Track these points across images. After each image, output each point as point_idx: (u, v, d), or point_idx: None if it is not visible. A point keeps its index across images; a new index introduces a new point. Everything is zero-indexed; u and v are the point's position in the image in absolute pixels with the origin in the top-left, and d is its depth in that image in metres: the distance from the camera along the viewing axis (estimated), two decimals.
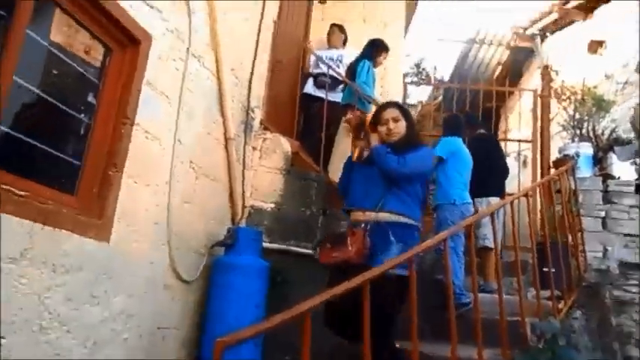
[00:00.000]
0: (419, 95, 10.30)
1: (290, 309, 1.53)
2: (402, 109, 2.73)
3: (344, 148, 4.33)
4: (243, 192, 3.55)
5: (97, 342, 2.27)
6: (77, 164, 2.29)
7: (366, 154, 2.65)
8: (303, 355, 1.53)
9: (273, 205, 3.71)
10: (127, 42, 2.44)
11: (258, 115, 3.86)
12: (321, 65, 4.92)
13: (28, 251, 1.91)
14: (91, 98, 2.37)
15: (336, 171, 3.63)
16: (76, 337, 2.16)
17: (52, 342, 2.03)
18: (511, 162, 5.04)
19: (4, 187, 1.83)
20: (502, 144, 5.05)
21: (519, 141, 5.62)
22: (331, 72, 4.75)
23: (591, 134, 5.13)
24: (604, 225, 4.45)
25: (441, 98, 8.47)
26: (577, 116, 5.27)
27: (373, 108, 4.35)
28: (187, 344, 3.01)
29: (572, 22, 7.10)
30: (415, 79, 10.75)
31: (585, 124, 5.18)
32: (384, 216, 2.44)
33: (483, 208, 3.81)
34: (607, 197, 4.52)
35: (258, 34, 3.77)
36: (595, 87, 5.55)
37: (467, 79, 8.07)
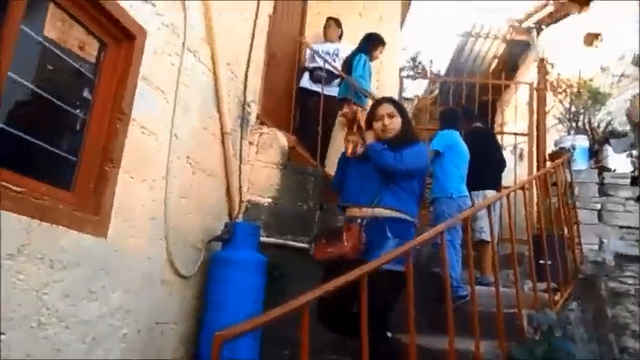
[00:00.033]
0: (415, 89, 10.31)
1: (288, 303, 1.53)
2: (397, 104, 2.72)
3: (340, 142, 4.32)
4: (240, 187, 3.55)
5: (95, 337, 2.27)
6: (73, 160, 2.28)
7: (359, 149, 2.64)
8: (302, 348, 1.53)
9: (270, 200, 3.71)
10: (121, 37, 2.43)
11: (254, 110, 3.85)
12: (317, 59, 4.91)
13: (26, 247, 1.90)
14: (86, 94, 2.36)
15: (332, 165, 3.63)
16: (75, 332, 2.16)
17: (50, 338, 2.03)
18: (507, 155, 5.05)
19: (1, 183, 1.83)
20: (498, 137, 5.05)
21: (515, 134, 5.63)
22: (327, 66, 4.74)
23: (587, 127, 5.15)
24: (600, 217, 4.47)
25: (437, 92, 8.47)
26: (573, 109, 5.28)
27: (369, 102, 4.35)
28: (186, 339, 3.01)
29: (567, 14, 7.10)
30: (411, 72, 10.76)
31: (581, 117, 5.20)
32: (381, 211, 2.43)
33: (480, 201, 3.83)
34: (603, 190, 4.54)
35: (254, 29, 3.75)
36: (591, 80, 5.57)
37: (463, 72, 8.07)
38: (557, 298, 3.31)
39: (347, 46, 5.10)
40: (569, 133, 5.14)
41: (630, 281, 4.17)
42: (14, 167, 1.95)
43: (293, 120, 4.58)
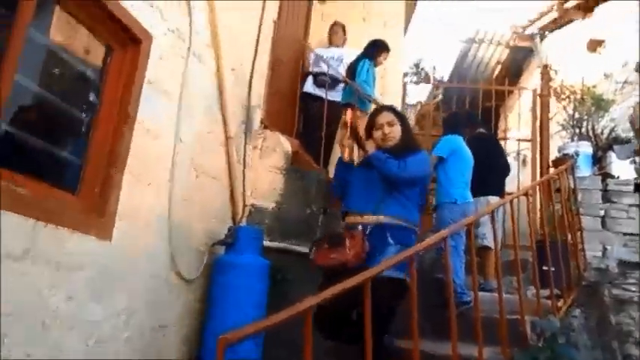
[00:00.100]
0: (418, 95, 10.33)
1: (291, 307, 1.54)
2: (397, 112, 2.71)
3: None
4: (244, 191, 3.56)
5: (98, 340, 2.28)
6: (79, 163, 2.29)
7: (355, 155, 2.65)
8: (306, 352, 1.53)
9: (273, 204, 3.72)
10: (128, 41, 2.45)
11: (258, 115, 3.87)
12: (322, 64, 4.93)
13: (31, 249, 1.91)
14: (92, 97, 2.37)
15: None
16: (79, 335, 2.17)
17: (54, 340, 2.04)
18: (510, 161, 5.05)
19: (8, 185, 1.84)
20: (502, 143, 5.05)
21: (519, 140, 5.62)
22: (331, 71, 4.76)
23: (590, 133, 5.15)
24: (603, 224, 4.46)
25: (440, 97, 8.48)
26: (576, 115, 5.28)
27: (373, 107, 4.36)
28: (188, 342, 3.01)
29: (571, 21, 7.12)
30: (414, 78, 10.77)
31: (584, 124, 5.20)
32: (383, 219, 2.43)
33: (483, 207, 3.82)
34: (606, 196, 4.53)
35: (259, 34, 3.77)
36: (594, 86, 5.57)
37: (466, 78, 8.09)
38: (560, 304, 3.30)
39: (351, 51, 5.11)
40: (572, 140, 5.14)
41: (633, 288, 4.16)
42: (21, 170, 1.96)
43: (296, 124, 4.60)
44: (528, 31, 7.84)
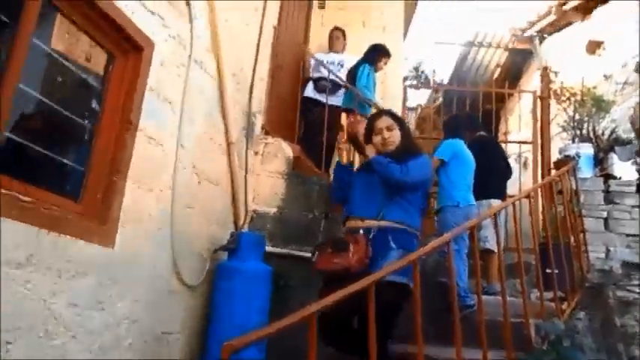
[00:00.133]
0: (418, 98, 10.34)
1: (295, 312, 1.53)
2: (395, 117, 2.69)
3: None
4: (246, 196, 3.56)
5: (101, 347, 2.27)
6: (81, 170, 2.30)
7: (351, 157, 2.65)
8: (310, 358, 1.53)
9: (275, 209, 3.72)
10: (129, 48, 2.46)
11: (259, 120, 3.88)
12: (322, 69, 4.94)
13: (34, 257, 1.91)
14: (94, 105, 2.38)
15: None
16: (82, 342, 2.16)
17: (57, 347, 2.03)
18: (512, 164, 5.05)
19: (10, 193, 1.84)
20: (503, 146, 5.05)
21: (520, 142, 5.62)
22: (331, 76, 4.77)
23: (591, 135, 5.15)
24: (606, 225, 4.45)
25: (440, 101, 8.49)
26: (577, 117, 5.29)
27: (374, 111, 4.37)
28: (192, 349, 3.01)
29: (570, 23, 7.13)
30: (414, 82, 10.79)
31: (585, 125, 5.20)
32: (385, 224, 2.42)
33: (485, 210, 3.82)
34: (609, 197, 4.53)
35: (259, 40, 3.79)
36: (594, 87, 5.58)
37: (466, 81, 8.10)
38: (564, 307, 3.29)
39: (351, 57, 5.12)
40: (573, 141, 5.14)
41: (638, 290, 4.14)
42: (24, 178, 1.97)
43: (297, 130, 4.60)
44: (527, 34, 7.86)
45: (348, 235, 2.45)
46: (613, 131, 5.19)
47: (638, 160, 4.72)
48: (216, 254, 3.20)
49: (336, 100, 4.82)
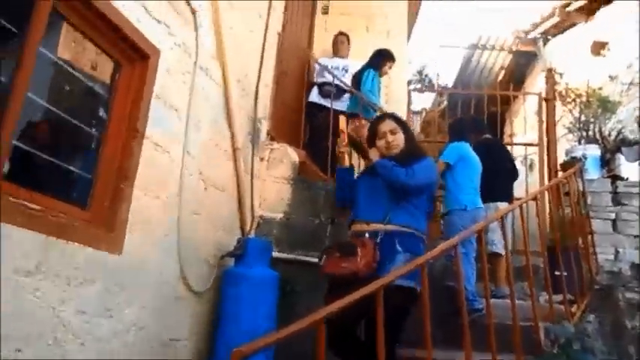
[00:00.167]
0: (422, 102, 10.34)
1: (304, 318, 1.53)
2: (399, 120, 2.68)
3: None
4: (252, 202, 3.57)
5: (110, 354, 2.28)
6: (89, 178, 2.31)
7: (347, 160, 2.65)
8: None
9: (281, 215, 3.72)
10: (136, 57, 2.48)
11: (264, 126, 3.89)
12: (326, 74, 4.95)
13: (43, 264, 1.92)
14: (101, 113, 2.40)
15: None
16: (90, 349, 2.17)
17: (66, 354, 2.04)
18: (518, 166, 5.03)
19: (19, 201, 1.86)
20: (508, 148, 5.04)
21: (525, 145, 5.61)
22: (336, 81, 4.78)
23: (598, 136, 5.12)
24: (614, 227, 4.42)
25: (445, 104, 8.48)
26: (583, 118, 5.26)
27: None
28: (199, 356, 3.01)
29: (574, 24, 7.12)
30: (418, 85, 10.79)
31: (591, 126, 5.18)
32: (391, 227, 2.40)
33: (492, 213, 3.80)
34: (616, 199, 4.50)
35: (263, 46, 3.81)
36: (600, 88, 5.56)
37: (470, 84, 8.09)
38: (573, 309, 3.27)
39: (356, 62, 5.14)
40: (579, 143, 5.11)
41: None
42: (32, 186, 1.98)
43: (303, 135, 4.61)
44: (531, 36, 7.85)
45: (356, 239, 2.43)
46: (619, 132, 5.16)
47: None
48: (223, 260, 3.20)
49: (341, 105, 4.83)
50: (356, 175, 2.82)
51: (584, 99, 5.34)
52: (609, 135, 5.16)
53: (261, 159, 3.81)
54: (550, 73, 5.52)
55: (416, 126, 8.56)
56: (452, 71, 9.35)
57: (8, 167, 1.93)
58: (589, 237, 4.01)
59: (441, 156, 3.82)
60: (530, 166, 5.98)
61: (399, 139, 2.56)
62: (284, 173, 3.82)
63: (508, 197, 4.15)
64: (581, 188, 4.20)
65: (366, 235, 2.41)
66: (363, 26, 5.90)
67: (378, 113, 4.56)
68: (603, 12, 6.62)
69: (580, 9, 6.84)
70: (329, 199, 3.82)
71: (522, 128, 6.33)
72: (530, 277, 2.91)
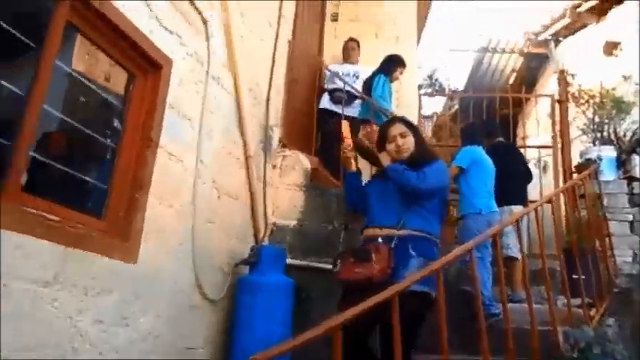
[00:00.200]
0: (433, 106, 10.32)
1: (319, 324, 1.53)
2: (408, 123, 2.65)
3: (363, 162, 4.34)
4: (265, 209, 3.58)
5: None
6: (104, 188, 2.34)
7: (353, 164, 2.64)
8: None
9: (294, 222, 3.73)
10: (149, 67, 2.51)
11: (276, 133, 3.90)
12: (336, 80, 4.96)
13: (61, 275, 1.94)
14: (116, 124, 2.43)
15: None
16: (107, 358, 2.18)
17: None
18: (531, 169, 4.99)
19: (38, 212, 1.88)
20: (522, 151, 5.00)
21: (539, 147, 5.56)
22: (347, 87, 4.79)
23: (613, 137, 5.07)
24: (632, 228, 4.37)
25: (456, 108, 8.46)
26: (597, 119, 5.21)
27: None
28: None
29: (585, 25, 7.06)
30: (429, 90, 10.78)
31: (606, 127, 5.13)
32: (405, 232, 2.37)
33: (506, 216, 3.77)
34: (633, 200, 4.45)
35: (274, 55, 3.83)
36: (613, 89, 5.50)
37: (481, 87, 8.06)
38: (592, 313, 3.22)
39: (366, 68, 5.14)
40: (594, 144, 5.06)
41: None
42: (49, 196, 2.01)
43: (315, 141, 4.62)
44: (542, 38, 7.80)
45: (370, 244, 2.40)
46: (635, 133, 5.10)
47: None
48: (237, 268, 3.21)
49: (353, 111, 4.84)
50: (367, 179, 2.81)
51: (597, 100, 5.29)
52: (624, 136, 5.10)
53: (274, 166, 3.83)
54: (562, 74, 5.48)
55: (427, 130, 8.53)
56: (462, 75, 9.33)
57: (26, 178, 1.96)
58: (606, 239, 3.95)
59: (454, 160, 3.80)
60: (544, 169, 5.92)
61: (409, 143, 2.54)
62: (296, 180, 3.83)
63: (522, 200, 4.12)
64: (597, 190, 4.15)
65: (379, 239, 2.38)
66: (372, 32, 5.91)
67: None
68: (615, 12, 6.56)
69: (591, 9, 6.79)
70: (342, 206, 3.82)
71: (535, 130, 6.28)
72: (547, 280, 2.87)
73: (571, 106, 5.36)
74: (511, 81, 8.44)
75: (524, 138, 7.03)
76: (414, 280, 1.98)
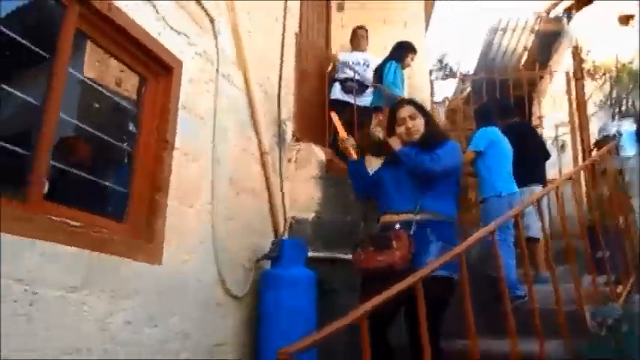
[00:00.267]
0: (445, 91, 10.22)
1: (347, 315, 1.53)
2: (417, 105, 2.61)
3: None
4: (283, 203, 3.59)
5: None
6: (124, 192, 2.37)
7: (353, 152, 2.60)
8: (364, 359, 1.52)
9: (313, 214, 3.73)
10: (160, 70, 2.53)
11: (289, 127, 3.91)
12: (347, 70, 4.94)
13: (88, 279, 1.98)
14: (131, 127, 2.45)
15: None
16: (138, 359, 2.22)
17: None
18: (549, 147, 4.92)
19: (62, 219, 1.92)
20: (538, 130, 4.93)
21: (556, 126, 5.48)
22: (358, 76, 4.76)
23: (632, 111, 4.96)
24: None
25: (468, 90, 8.35)
26: (614, 94, 5.11)
27: None
28: (244, 359, 3.04)
29: None
30: (440, 74, 10.66)
31: (624, 101, 5.02)
32: (422, 216, 2.35)
33: (526, 197, 3.72)
34: None
35: (282, 48, 3.83)
36: (630, 62, 5.38)
37: (493, 68, 7.95)
38: (619, 290, 3.17)
39: (376, 57, 5.11)
40: (613, 119, 4.96)
41: None
42: (71, 203, 2.04)
43: (328, 133, 4.61)
44: (553, 14, 7.65)
45: (389, 232, 2.36)
46: None
47: None
48: (259, 264, 3.23)
49: (365, 100, 4.82)
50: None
51: (614, 74, 5.18)
52: None
53: (289, 160, 3.83)
54: (576, 50, 5.37)
55: (441, 115, 8.44)
56: (473, 57, 9.20)
57: (47, 186, 1.99)
58: (630, 215, 3.88)
59: (470, 144, 3.75)
60: (562, 147, 5.83)
61: (418, 124, 2.51)
62: (312, 172, 3.83)
63: (542, 180, 4.06)
64: (617, 166, 4.07)
65: (397, 225, 2.36)
66: (379, 19, 5.86)
67: None
68: None
69: None
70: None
71: (551, 109, 6.18)
72: (572, 259, 2.83)
73: (587, 82, 5.25)
74: (523, 60, 8.30)
75: (540, 117, 6.91)
76: (437, 265, 1.96)
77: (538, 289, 2.79)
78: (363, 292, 2.33)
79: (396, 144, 2.52)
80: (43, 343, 1.79)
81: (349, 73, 4.86)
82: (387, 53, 4.97)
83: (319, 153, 3.90)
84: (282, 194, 3.59)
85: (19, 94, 1.89)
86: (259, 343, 3.00)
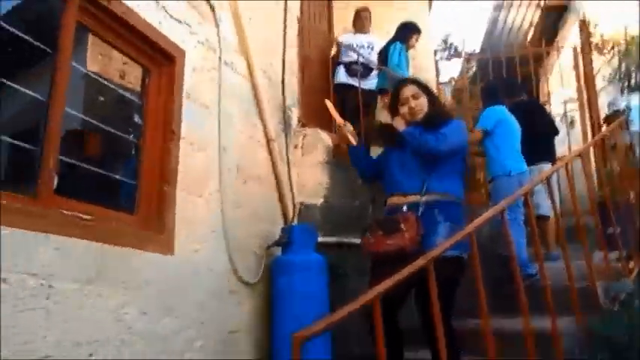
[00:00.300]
0: (450, 71, 10.11)
1: (359, 298, 1.54)
2: (420, 84, 2.57)
3: None
4: (291, 189, 3.59)
5: (174, 351, 2.36)
6: (133, 184, 2.38)
7: (352, 138, 2.57)
8: (378, 342, 1.54)
9: (321, 200, 3.73)
10: (163, 60, 2.52)
11: (295, 113, 3.89)
12: (351, 53, 4.89)
13: (102, 271, 2.00)
14: (137, 119, 2.46)
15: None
16: (155, 347, 2.25)
17: (135, 354, 2.13)
18: (557, 124, 4.87)
19: (73, 213, 1.93)
20: (546, 107, 4.88)
21: (565, 102, 5.41)
22: (363, 59, 4.72)
23: None
24: None
25: (474, 69, 8.26)
26: (623, 68, 5.03)
27: None
28: (259, 345, 3.08)
29: None
30: (445, 54, 10.53)
31: (633, 75, 4.95)
32: (429, 197, 2.33)
33: (536, 175, 3.70)
34: None
35: (284, 34, 3.79)
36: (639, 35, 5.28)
37: (499, 46, 7.83)
38: (631, 266, 3.16)
39: (380, 40, 5.06)
40: (622, 93, 4.90)
41: None
42: (81, 197, 2.06)
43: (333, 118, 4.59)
44: None
45: (397, 214, 2.34)
46: None
47: None
48: (270, 250, 3.25)
49: (370, 83, 4.78)
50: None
51: (622, 47, 5.09)
52: None
53: (295, 146, 3.82)
54: (584, 24, 5.28)
55: (448, 95, 8.36)
56: (478, 35, 9.08)
57: (56, 181, 2.01)
58: None
59: (478, 123, 3.72)
60: (571, 123, 5.77)
61: (422, 104, 2.47)
62: (319, 158, 3.82)
63: (551, 157, 4.03)
64: (628, 141, 4.03)
65: (404, 207, 2.35)
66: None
67: None
68: None
69: None
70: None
71: (558, 85, 6.10)
72: (583, 235, 2.82)
73: (595, 56, 5.17)
74: (529, 36, 8.18)
75: (548, 94, 6.83)
76: (448, 246, 1.96)
77: (549, 266, 2.78)
78: (373, 275, 2.34)
79: (399, 124, 2.49)
80: (62, 335, 1.82)
81: (353, 57, 4.82)
82: (389, 35, 4.91)
83: (326, 138, 3.89)
84: (290, 180, 3.59)
85: (24, 90, 1.90)
86: (273, 328, 3.03)
